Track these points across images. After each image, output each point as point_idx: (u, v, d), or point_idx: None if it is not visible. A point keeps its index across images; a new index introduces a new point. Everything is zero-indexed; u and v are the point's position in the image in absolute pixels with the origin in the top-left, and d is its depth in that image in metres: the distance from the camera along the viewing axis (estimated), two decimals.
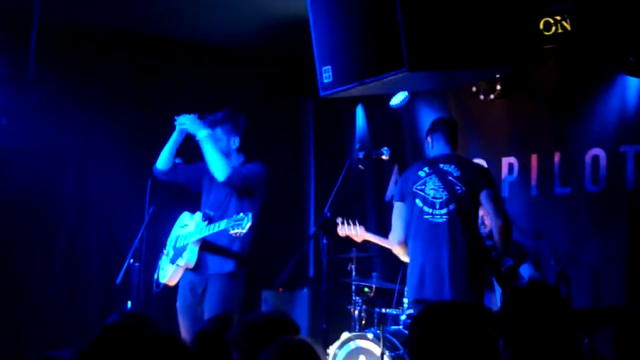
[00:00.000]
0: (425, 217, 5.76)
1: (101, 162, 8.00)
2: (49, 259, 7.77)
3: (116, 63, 8.10)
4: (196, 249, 6.25)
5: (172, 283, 6.40)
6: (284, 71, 8.97)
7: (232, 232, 5.83)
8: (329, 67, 5.05)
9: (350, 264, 7.57)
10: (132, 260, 6.50)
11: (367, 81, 4.86)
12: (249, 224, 5.77)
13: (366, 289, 7.59)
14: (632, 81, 7.24)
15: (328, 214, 5.63)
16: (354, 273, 7.55)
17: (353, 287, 7.51)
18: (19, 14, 7.06)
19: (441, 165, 5.83)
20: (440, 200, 5.75)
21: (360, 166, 5.84)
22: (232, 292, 6.25)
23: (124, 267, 6.44)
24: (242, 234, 5.80)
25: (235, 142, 6.37)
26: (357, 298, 7.48)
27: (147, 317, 4.55)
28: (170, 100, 8.27)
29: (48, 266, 7.75)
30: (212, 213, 6.29)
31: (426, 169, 5.85)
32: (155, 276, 6.48)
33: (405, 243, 5.93)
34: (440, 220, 5.73)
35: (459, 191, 5.71)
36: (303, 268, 8.90)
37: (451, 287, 5.58)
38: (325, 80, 5.07)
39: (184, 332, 6.21)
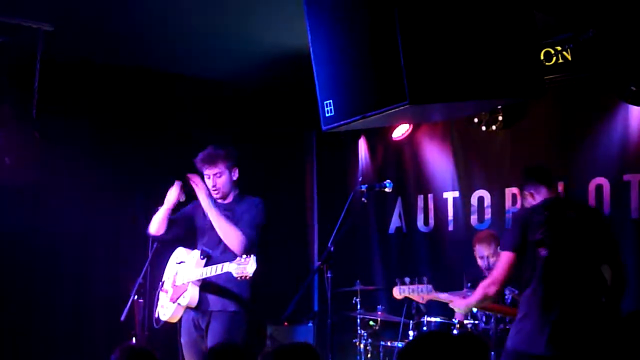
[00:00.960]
0: None
1: (106, 198, 8.02)
2: (53, 297, 7.79)
3: (121, 99, 8.14)
4: (197, 289, 6.23)
5: (174, 320, 6.38)
6: (287, 105, 9.00)
7: (237, 276, 5.83)
8: (331, 101, 5.03)
9: (355, 297, 7.56)
10: (136, 297, 6.50)
11: (369, 115, 4.84)
12: (254, 268, 5.76)
13: (371, 322, 7.58)
14: (634, 110, 7.23)
15: (332, 248, 5.62)
16: (359, 306, 7.53)
17: (358, 320, 7.49)
18: (23, 53, 7.10)
19: None
20: None
21: (363, 199, 5.81)
22: (236, 328, 6.23)
23: (129, 304, 6.43)
24: (247, 278, 5.81)
25: (235, 174, 6.39)
26: (363, 331, 7.47)
27: (149, 352, 4.55)
28: (174, 134, 8.32)
29: (53, 304, 7.77)
30: (210, 251, 6.28)
31: None
32: (156, 314, 6.45)
33: None
34: None
35: None
36: (308, 302, 8.87)
37: None
38: (327, 115, 5.05)
39: None
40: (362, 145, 9.13)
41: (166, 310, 6.38)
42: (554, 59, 7.20)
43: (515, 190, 7.96)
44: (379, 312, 7.57)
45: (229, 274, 5.90)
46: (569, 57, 7.17)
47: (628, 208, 7.25)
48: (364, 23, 4.85)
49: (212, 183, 6.35)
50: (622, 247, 7.18)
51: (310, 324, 8.39)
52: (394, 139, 8.51)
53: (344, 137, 8.69)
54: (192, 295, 6.21)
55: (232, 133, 8.46)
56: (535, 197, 5.64)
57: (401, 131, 8.46)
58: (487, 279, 5.63)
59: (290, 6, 6.33)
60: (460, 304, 5.81)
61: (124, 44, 7.60)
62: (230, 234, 6.13)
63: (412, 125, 8.39)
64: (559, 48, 7.18)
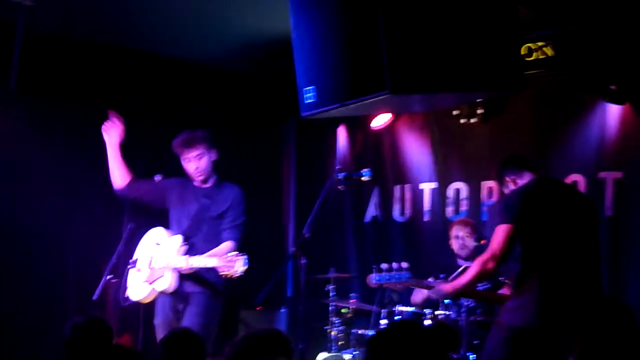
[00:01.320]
0: None
1: (82, 177, 7.96)
2: (27, 275, 7.71)
3: (101, 77, 8.09)
4: (176, 275, 6.24)
5: (146, 302, 6.39)
6: (267, 91, 8.99)
7: (221, 274, 5.85)
8: (312, 87, 5.04)
9: (328, 284, 7.57)
10: (109, 277, 6.49)
11: (349, 103, 4.86)
12: (243, 268, 5.78)
13: (344, 310, 7.60)
14: (612, 108, 7.28)
15: (307, 234, 5.64)
16: (332, 294, 7.54)
17: (331, 307, 7.51)
18: (3, 28, 7.06)
19: None
20: None
21: (340, 187, 5.82)
22: (212, 310, 6.26)
23: (102, 283, 6.42)
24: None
25: (214, 155, 6.42)
26: (335, 319, 7.48)
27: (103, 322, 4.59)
28: (151, 116, 8.29)
29: (26, 283, 7.69)
30: (193, 239, 6.29)
31: None
32: (125, 293, 6.44)
33: None
34: None
35: None
36: (282, 288, 8.88)
37: None
38: (307, 101, 5.06)
39: None
40: (342, 133, 9.13)
41: (139, 291, 6.37)
42: (535, 54, 7.23)
43: (491, 183, 8.00)
44: (352, 300, 7.58)
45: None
46: (550, 53, 7.21)
47: (602, 206, 7.27)
48: (346, 10, 4.86)
49: (194, 166, 6.36)
50: None
51: (283, 310, 8.41)
52: (373, 128, 8.51)
53: (323, 125, 8.67)
54: (170, 281, 6.22)
55: (211, 117, 8.45)
56: (518, 182, 5.60)
57: (381, 121, 8.47)
58: (484, 253, 5.31)
59: None
60: (446, 287, 5.61)
61: (105, 22, 7.54)
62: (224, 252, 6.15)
63: (392, 115, 8.40)
64: (540, 44, 7.22)
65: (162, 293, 6.31)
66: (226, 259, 5.85)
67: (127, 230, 6.56)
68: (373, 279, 5.73)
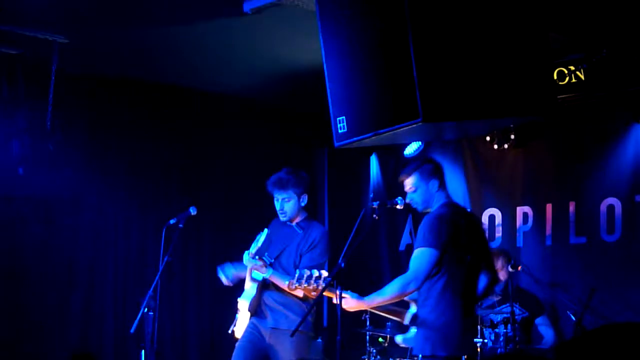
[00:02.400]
0: None
1: (117, 211, 8.05)
2: (65, 308, 7.80)
3: (134, 114, 8.19)
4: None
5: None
6: (299, 121, 9.03)
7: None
8: (343, 117, 5.05)
9: (364, 314, 7.54)
10: (146, 309, 6.50)
11: (382, 132, 4.86)
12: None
13: (380, 339, 7.56)
14: None
15: (342, 264, 5.60)
16: (368, 323, 7.52)
17: (367, 337, 7.47)
18: (38, 65, 7.16)
19: None
20: None
21: (374, 216, 5.80)
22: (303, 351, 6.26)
23: (139, 316, 6.44)
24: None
25: (304, 200, 6.42)
26: (372, 348, 7.45)
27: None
28: (186, 149, 8.35)
29: (64, 314, 7.78)
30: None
31: None
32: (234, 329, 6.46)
33: None
34: None
35: None
36: (318, 317, 8.86)
37: None
38: (340, 131, 5.07)
39: None
40: (374, 162, 9.14)
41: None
42: (567, 78, 7.21)
43: (526, 209, 7.96)
44: (388, 329, 7.54)
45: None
46: (582, 77, 7.18)
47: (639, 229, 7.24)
48: (377, 40, 4.86)
49: (279, 206, 6.41)
50: (633, 267, 7.25)
51: (319, 340, 8.38)
52: (406, 155, 8.51)
53: (355, 153, 8.67)
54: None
55: (245, 149, 8.50)
56: (429, 195, 5.47)
57: (413, 148, 8.46)
58: (406, 275, 5.25)
59: (304, 22, 6.35)
60: (355, 303, 5.50)
61: (137, 58, 7.65)
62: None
63: (424, 142, 8.39)
64: (572, 68, 7.19)
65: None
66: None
67: (163, 263, 6.59)
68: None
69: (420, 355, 5.25)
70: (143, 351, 6.44)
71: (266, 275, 6.18)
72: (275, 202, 6.45)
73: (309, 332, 6.26)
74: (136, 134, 8.22)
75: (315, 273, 5.59)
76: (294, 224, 6.42)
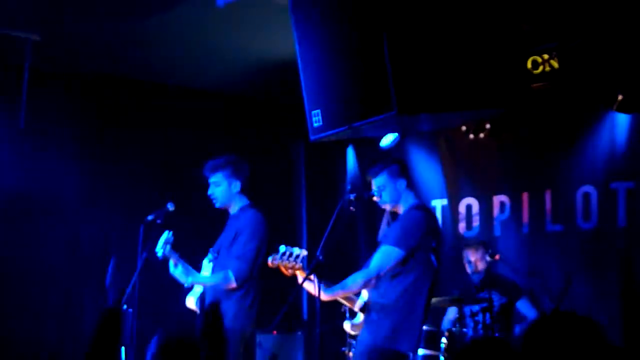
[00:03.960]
0: None
1: (94, 209, 8.01)
2: (42, 305, 7.77)
3: (110, 109, 8.15)
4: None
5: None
6: (275, 114, 9.02)
7: None
8: (318, 111, 5.08)
9: (344, 305, 7.53)
10: (125, 307, 6.49)
11: (356, 124, 4.89)
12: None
13: None
14: (620, 118, 7.28)
15: (320, 257, 5.61)
16: (347, 315, 7.51)
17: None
18: (11, 64, 7.11)
19: None
20: None
21: (351, 208, 5.81)
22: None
23: None
24: None
25: (236, 186, 6.37)
26: (352, 340, 7.45)
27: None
28: (162, 145, 8.33)
29: (41, 315, 7.74)
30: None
31: None
32: None
33: None
34: None
35: None
36: (297, 311, 8.87)
37: None
38: (315, 124, 5.10)
39: None
40: (351, 153, 9.15)
41: None
42: (541, 67, 7.20)
43: (503, 197, 8.00)
44: None
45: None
46: (556, 66, 7.19)
47: (615, 216, 7.30)
48: (351, 34, 4.89)
49: (210, 191, 6.38)
50: (610, 254, 7.29)
51: (299, 333, 8.39)
52: (382, 147, 8.51)
53: (332, 146, 8.68)
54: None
55: (219, 142, 8.47)
56: (397, 194, 5.61)
57: (390, 139, 8.44)
58: (369, 270, 5.48)
59: (278, 15, 6.34)
60: (325, 296, 5.63)
61: (111, 54, 7.61)
62: (221, 283, 6.17)
63: (400, 134, 8.39)
64: (545, 56, 7.19)
65: None
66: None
67: (142, 260, 6.58)
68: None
69: (372, 344, 5.40)
70: (123, 347, 6.43)
71: (187, 285, 6.22)
72: (209, 189, 6.44)
73: (242, 329, 6.22)
74: (112, 130, 8.19)
75: (296, 251, 5.60)
76: (232, 213, 6.40)
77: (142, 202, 7.61)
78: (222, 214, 6.69)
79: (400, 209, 5.65)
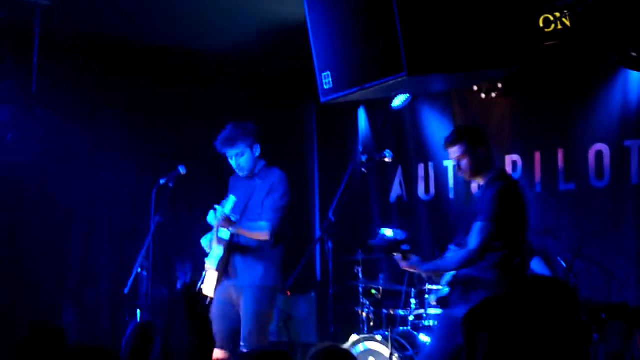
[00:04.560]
0: None
1: (108, 173, 8.09)
2: (59, 270, 7.86)
3: (119, 73, 8.15)
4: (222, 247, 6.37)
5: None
6: (286, 77, 9.00)
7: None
8: (329, 73, 5.07)
9: (357, 266, 7.60)
10: (140, 269, 6.55)
11: (367, 86, 4.88)
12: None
13: (373, 291, 7.61)
14: (633, 75, 7.22)
15: (332, 218, 5.64)
16: (361, 275, 7.57)
17: (360, 289, 7.54)
18: (20, 29, 7.10)
19: None
20: None
21: (363, 169, 5.82)
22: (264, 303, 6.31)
23: (132, 276, 6.48)
24: None
25: (257, 150, 6.43)
26: (365, 300, 7.51)
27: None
28: (173, 109, 8.34)
29: (59, 276, 7.84)
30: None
31: None
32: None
33: None
34: None
35: None
36: (311, 271, 8.92)
37: None
38: (325, 87, 5.09)
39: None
40: (362, 114, 9.13)
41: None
42: (553, 25, 7.16)
43: (515, 157, 7.99)
44: (381, 281, 7.60)
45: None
46: (568, 24, 7.14)
47: (628, 174, 7.27)
48: None
49: (235, 163, 6.42)
50: (623, 212, 7.28)
51: (312, 294, 8.45)
52: (393, 107, 8.50)
53: (343, 107, 8.68)
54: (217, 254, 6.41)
55: (231, 105, 8.48)
56: (478, 164, 5.41)
57: (401, 100, 8.45)
58: (470, 250, 5.22)
59: None
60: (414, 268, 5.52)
61: (120, 18, 7.58)
62: (254, 233, 6.25)
63: (411, 94, 8.38)
64: (557, 14, 7.14)
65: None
66: None
67: (154, 223, 6.63)
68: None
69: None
70: (139, 310, 6.50)
71: (232, 230, 6.23)
72: (230, 161, 6.47)
73: (274, 286, 6.30)
74: (123, 95, 8.20)
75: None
76: (251, 175, 6.45)
77: (154, 165, 7.65)
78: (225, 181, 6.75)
79: (482, 180, 5.44)
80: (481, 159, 5.38)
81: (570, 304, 3.15)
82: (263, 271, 6.25)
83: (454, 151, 5.39)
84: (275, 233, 6.25)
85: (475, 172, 5.40)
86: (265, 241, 6.23)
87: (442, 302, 5.49)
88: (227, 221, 6.17)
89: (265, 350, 3.67)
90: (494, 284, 5.18)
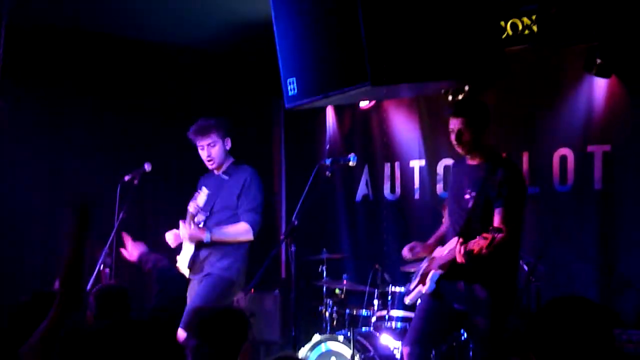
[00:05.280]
0: None
1: (73, 166, 8.00)
2: (19, 265, 7.81)
3: (84, 67, 8.10)
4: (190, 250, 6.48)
5: None
6: (254, 72, 8.98)
7: None
8: (294, 79, 5.08)
9: (321, 265, 7.62)
10: (102, 266, 6.55)
11: (331, 94, 4.90)
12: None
13: (337, 291, 7.64)
14: (598, 82, 7.29)
15: (296, 222, 5.67)
16: (325, 275, 7.60)
17: (324, 288, 7.56)
18: None
19: None
20: None
21: (327, 173, 5.84)
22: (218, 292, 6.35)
23: (94, 273, 6.48)
24: None
25: (227, 144, 6.48)
26: (328, 300, 7.54)
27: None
28: (139, 100, 8.31)
29: (19, 273, 7.79)
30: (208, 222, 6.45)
31: None
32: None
33: None
34: None
35: None
36: (275, 269, 8.93)
37: None
38: (290, 93, 5.11)
39: None
40: (330, 113, 9.14)
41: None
42: (520, 30, 7.23)
43: None
44: (345, 281, 7.63)
45: None
46: (535, 29, 7.20)
47: (592, 179, 7.35)
48: (326, 3, 4.87)
49: (206, 154, 6.45)
50: (586, 217, 7.36)
51: (276, 292, 8.46)
52: (361, 107, 8.52)
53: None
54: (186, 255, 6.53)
55: (198, 100, 8.47)
56: (477, 139, 5.46)
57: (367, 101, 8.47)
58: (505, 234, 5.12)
59: None
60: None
61: (88, 9, 7.56)
62: (238, 237, 6.33)
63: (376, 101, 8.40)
64: (525, 19, 7.21)
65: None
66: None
67: (119, 220, 6.64)
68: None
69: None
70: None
71: (207, 240, 6.27)
72: (201, 152, 6.49)
73: (233, 279, 6.38)
74: (89, 87, 8.16)
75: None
76: (221, 172, 6.46)
77: (118, 161, 7.63)
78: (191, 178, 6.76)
79: (477, 157, 5.48)
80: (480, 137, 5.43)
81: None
82: (227, 264, 6.34)
83: (456, 122, 5.40)
84: (257, 232, 6.37)
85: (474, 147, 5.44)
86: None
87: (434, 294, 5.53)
88: (196, 237, 6.20)
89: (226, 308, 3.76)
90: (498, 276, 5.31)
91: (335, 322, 7.46)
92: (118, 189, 6.82)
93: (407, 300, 5.79)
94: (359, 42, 4.59)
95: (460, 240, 5.12)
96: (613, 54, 7.08)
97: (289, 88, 5.11)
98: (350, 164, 5.98)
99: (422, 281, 5.56)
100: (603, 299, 7.20)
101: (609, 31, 6.97)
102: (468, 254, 5.02)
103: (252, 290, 8.14)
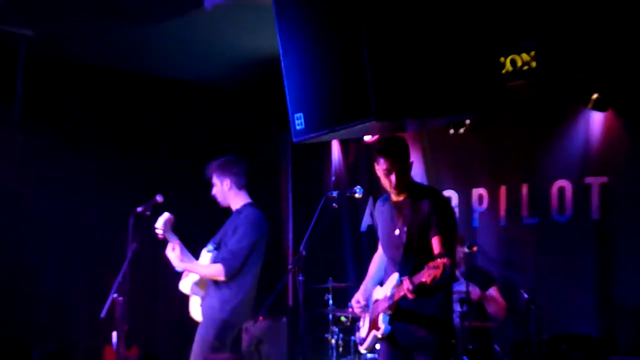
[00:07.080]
0: None
1: (87, 198, 8.21)
2: (36, 295, 7.96)
3: (100, 102, 8.34)
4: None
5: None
6: (262, 107, 9.19)
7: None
8: (301, 114, 5.22)
9: (327, 294, 7.78)
10: (116, 295, 6.69)
11: (337, 129, 5.04)
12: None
13: (343, 318, 7.78)
14: (595, 116, 7.49)
15: (303, 252, 5.79)
16: (331, 303, 7.76)
17: (330, 316, 7.72)
18: (5, 58, 7.26)
19: None
20: None
21: (334, 204, 6.00)
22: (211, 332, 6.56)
23: (108, 302, 6.62)
24: None
25: (226, 185, 6.63)
26: (334, 327, 7.68)
27: None
28: (152, 137, 8.49)
29: (35, 302, 7.95)
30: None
31: None
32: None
33: None
34: None
35: None
36: (283, 297, 9.06)
37: None
38: (297, 128, 5.24)
39: None
40: (335, 146, 9.34)
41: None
42: (519, 66, 7.40)
43: (481, 190, 8.22)
44: (350, 309, 7.74)
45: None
46: (534, 64, 7.37)
47: (589, 209, 7.52)
48: (332, 38, 5.00)
49: (213, 191, 6.66)
50: (584, 246, 7.51)
51: (284, 319, 8.59)
52: (365, 140, 8.71)
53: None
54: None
55: (212, 136, 8.64)
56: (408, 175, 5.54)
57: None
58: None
59: (264, 14, 6.50)
60: None
61: (102, 48, 7.78)
62: (209, 274, 6.50)
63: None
64: (524, 55, 7.38)
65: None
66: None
67: (130, 250, 6.78)
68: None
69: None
70: (115, 332, 6.64)
71: (179, 269, 6.58)
72: None
73: (227, 319, 6.59)
74: (104, 122, 8.35)
75: None
76: (234, 210, 6.66)
77: (132, 192, 7.80)
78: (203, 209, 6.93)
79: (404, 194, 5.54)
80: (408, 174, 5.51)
81: None
82: (218, 306, 6.54)
83: (387, 163, 5.48)
84: (231, 275, 6.46)
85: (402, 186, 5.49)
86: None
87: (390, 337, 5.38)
88: (176, 259, 6.48)
89: None
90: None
91: (341, 349, 7.61)
92: (130, 220, 6.96)
93: (363, 349, 5.67)
94: (364, 78, 4.73)
95: (406, 277, 5.02)
96: (609, 88, 7.26)
97: (296, 123, 5.26)
98: (357, 196, 6.14)
99: (374, 326, 5.48)
100: (601, 327, 7.35)
101: (605, 66, 7.14)
102: (418, 287, 4.89)
103: (261, 317, 8.29)
